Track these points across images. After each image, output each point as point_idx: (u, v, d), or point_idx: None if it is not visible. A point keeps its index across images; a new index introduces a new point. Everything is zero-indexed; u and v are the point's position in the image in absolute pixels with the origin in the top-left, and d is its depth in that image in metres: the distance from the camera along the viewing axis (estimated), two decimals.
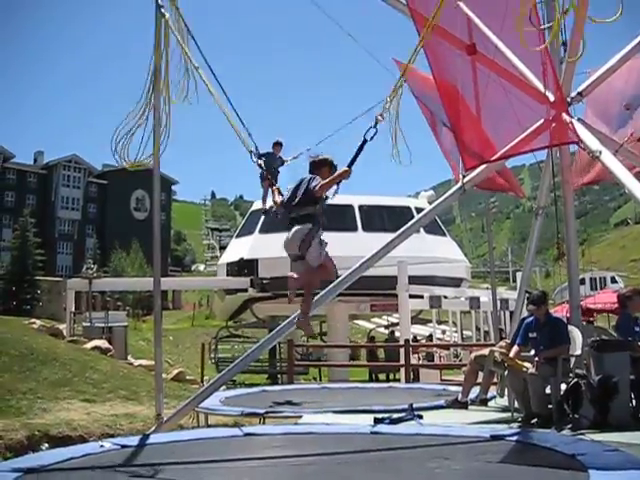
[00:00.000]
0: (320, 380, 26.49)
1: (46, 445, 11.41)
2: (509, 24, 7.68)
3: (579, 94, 8.59)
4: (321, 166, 6.12)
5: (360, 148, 6.13)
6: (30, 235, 47.35)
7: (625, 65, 8.72)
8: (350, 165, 5.96)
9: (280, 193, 6.63)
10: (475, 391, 9.73)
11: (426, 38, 6.99)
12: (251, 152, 7.63)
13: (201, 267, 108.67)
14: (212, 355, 28.02)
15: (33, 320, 25.79)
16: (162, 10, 7.88)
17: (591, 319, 19.05)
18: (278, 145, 11.59)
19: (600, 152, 6.87)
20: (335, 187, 6.08)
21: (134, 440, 7.31)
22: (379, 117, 6.25)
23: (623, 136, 9.01)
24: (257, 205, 29.14)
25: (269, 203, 10.42)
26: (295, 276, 6.19)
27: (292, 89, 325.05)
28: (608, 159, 6.84)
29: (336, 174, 5.76)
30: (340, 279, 8.44)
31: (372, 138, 6.19)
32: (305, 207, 5.92)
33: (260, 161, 7.52)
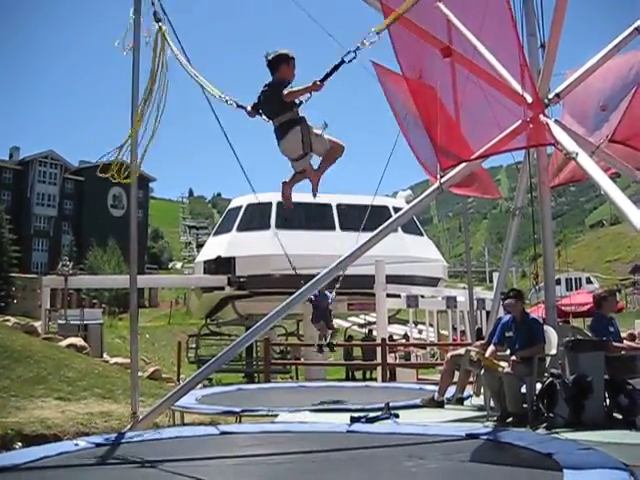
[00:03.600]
0: (297, 379, 26.49)
1: (19, 444, 11.29)
2: (488, 25, 7.73)
3: (556, 95, 8.66)
4: (278, 64, 6.06)
5: (335, 67, 6.09)
6: (5, 231, 46.96)
7: (603, 66, 8.80)
8: (322, 80, 5.90)
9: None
10: (451, 390, 9.78)
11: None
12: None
13: (178, 265, 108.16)
14: (189, 354, 27.92)
15: (7, 317, 25.52)
16: (160, 24, 7.89)
17: (567, 319, 19.20)
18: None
19: (576, 154, 6.93)
20: (308, 95, 6.05)
21: (109, 438, 7.26)
22: (365, 42, 6.22)
23: (599, 137, 9.09)
24: (235, 203, 29.12)
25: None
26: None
27: None
28: (584, 161, 6.90)
29: (306, 85, 5.72)
30: (317, 278, 8.44)
31: (350, 61, 6.16)
32: (283, 114, 5.92)
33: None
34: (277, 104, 5.96)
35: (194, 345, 29.73)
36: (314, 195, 7.01)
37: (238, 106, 6.75)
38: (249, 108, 6.49)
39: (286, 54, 6.24)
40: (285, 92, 5.81)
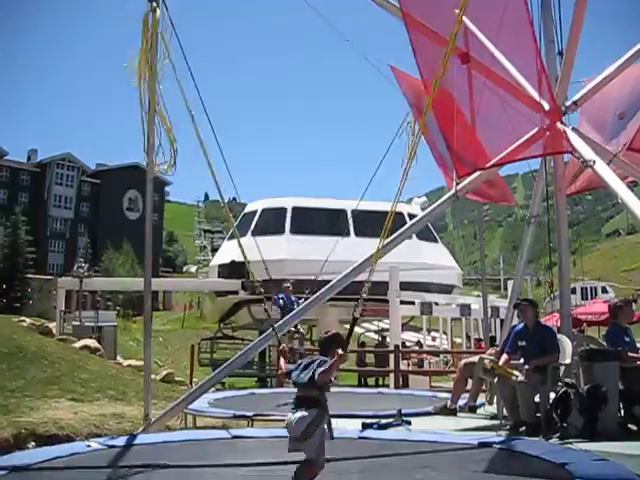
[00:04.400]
0: None
1: (33, 444, 11.35)
2: (505, 32, 7.71)
3: (574, 103, 8.62)
4: (331, 343, 5.93)
5: (352, 327, 6.47)
6: (22, 233, 47.27)
7: (620, 74, 8.74)
8: (344, 349, 5.80)
9: (286, 355, 6.50)
10: (464, 398, 9.74)
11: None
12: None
13: (192, 268, 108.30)
14: (200, 357, 27.93)
15: (23, 318, 25.63)
16: (153, 4, 7.89)
17: (581, 328, 19.11)
18: (287, 288, 12.13)
19: (594, 162, 6.89)
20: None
21: (121, 440, 7.28)
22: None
23: (617, 145, 9.03)
24: (250, 207, 29.18)
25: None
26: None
27: (285, 94, 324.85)
28: (602, 169, 6.87)
29: (334, 362, 5.58)
30: (331, 283, 8.44)
31: (359, 318, 6.62)
32: (310, 389, 5.60)
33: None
34: (309, 379, 5.71)
35: (207, 348, 29.77)
36: None
37: (282, 351, 6.58)
38: (283, 369, 6.24)
39: (337, 337, 6.06)
40: (319, 374, 5.55)
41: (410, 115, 11.41)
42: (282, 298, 11.99)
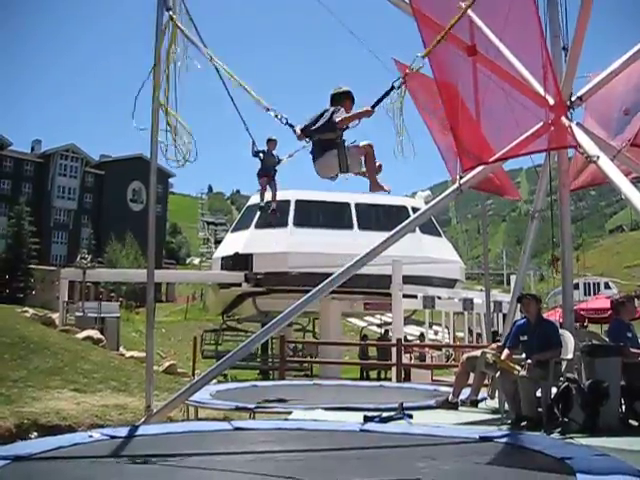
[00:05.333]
0: (311, 376, 26.53)
1: (35, 434, 11.39)
2: (510, 26, 7.69)
3: (579, 98, 8.58)
4: (343, 98, 6.20)
5: (386, 93, 6.26)
6: (25, 223, 47.27)
7: (626, 69, 8.71)
8: (373, 106, 6.08)
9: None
10: (466, 392, 9.75)
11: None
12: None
13: (196, 260, 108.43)
14: (202, 348, 28.01)
15: (26, 308, 25.73)
16: (170, 13, 7.88)
17: (583, 324, 19.11)
18: (272, 142, 11.64)
19: (598, 157, 6.88)
20: (356, 121, 6.15)
21: (123, 431, 7.30)
22: (407, 70, 6.45)
23: (621, 141, 9.00)
24: (254, 200, 29.13)
25: (265, 199, 10.48)
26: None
27: (289, 86, 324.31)
28: (605, 164, 6.85)
29: (359, 111, 5.85)
30: (334, 276, 8.44)
31: (399, 87, 6.39)
32: (325, 133, 6.02)
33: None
34: (325, 124, 6.06)
35: (210, 340, 29.85)
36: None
37: (287, 124, 6.79)
38: (298, 131, 6.53)
39: (351, 92, 6.36)
40: (338, 118, 5.85)
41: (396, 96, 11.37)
42: (262, 151, 11.62)
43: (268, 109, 7.17)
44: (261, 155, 11.45)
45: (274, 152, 11.85)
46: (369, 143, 6.69)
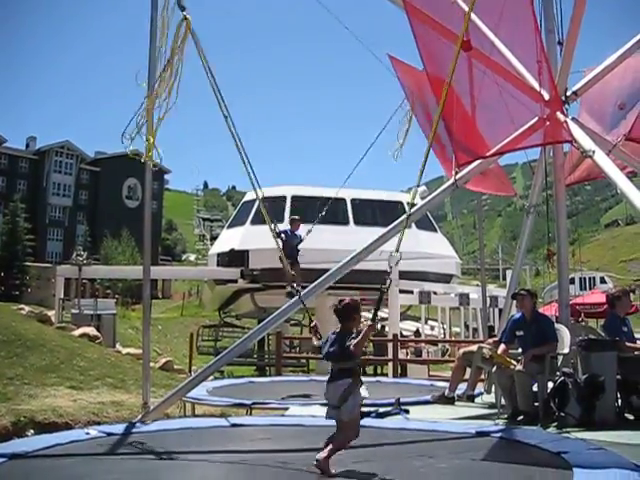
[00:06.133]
0: (308, 372, 26.53)
1: (31, 431, 11.38)
2: (505, 21, 7.70)
3: (574, 93, 8.61)
4: (353, 312, 6.07)
5: (379, 300, 6.39)
6: (20, 221, 47.20)
7: (621, 64, 8.73)
8: (373, 320, 6.11)
9: (317, 332, 6.53)
10: (462, 387, 9.76)
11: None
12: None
13: (192, 257, 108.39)
14: (198, 344, 28.03)
15: (21, 306, 25.70)
16: (184, 13, 7.84)
17: (579, 318, 19.13)
18: (296, 222, 11.74)
19: (593, 152, 6.89)
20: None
21: (120, 428, 7.30)
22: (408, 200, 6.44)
23: (616, 136, 9.02)
24: (249, 196, 29.15)
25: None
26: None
27: (285, 84, 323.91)
28: (601, 159, 6.86)
29: (365, 333, 5.77)
30: (330, 272, 8.44)
31: (387, 290, 6.55)
32: (343, 362, 5.83)
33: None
34: (341, 353, 5.85)
35: (207, 336, 29.86)
36: None
37: (314, 327, 6.67)
38: (317, 343, 6.32)
39: (357, 304, 6.20)
40: (353, 346, 5.73)
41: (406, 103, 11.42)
42: (285, 232, 11.40)
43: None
44: (283, 236, 11.21)
45: (297, 232, 11.81)
46: (357, 424, 6.04)
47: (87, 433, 6.98)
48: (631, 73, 9.67)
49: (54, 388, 14.01)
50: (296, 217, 11.29)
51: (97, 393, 14.22)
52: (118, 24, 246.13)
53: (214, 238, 68.42)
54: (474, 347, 9.69)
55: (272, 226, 9.70)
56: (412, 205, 7.94)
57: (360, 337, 5.72)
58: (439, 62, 7.99)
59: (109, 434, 6.92)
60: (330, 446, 5.49)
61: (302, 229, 12.24)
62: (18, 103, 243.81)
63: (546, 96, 7.64)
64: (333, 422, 5.59)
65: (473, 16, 7.90)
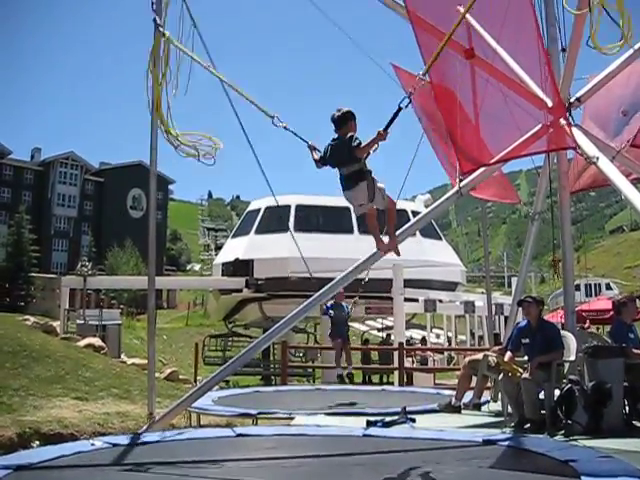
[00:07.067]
0: (313, 382, 26.49)
1: (37, 442, 11.38)
2: (507, 29, 7.70)
3: (577, 100, 8.59)
4: (348, 120, 6.31)
5: (395, 114, 6.25)
6: (25, 232, 47.18)
7: (624, 70, 8.71)
8: (385, 129, 6.08)
9: (316, 149, 6.74)
10: (468, 395, 9.73)
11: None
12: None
13: (196, 267, 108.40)
14: (205, 355, 28.01)
15: (27, 317, 25.69)
16: (161, 29, 7.85)
17: (586, 325, 19.08)
18: (340, 294, 10.94)
19: (597, 158, 6.87)
20: (375, 146, 6.19)
21: (125, 439, 7.28)
22: (411, 89, 6.43)
23: (620, 142, 9.00)
24: (254, 205, 29.16)
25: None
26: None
27: (287, 91, 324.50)
28: (605, 165, 6.85)
29: (374, 137, 5.95)
30: (335, 281, 8.43)
31: (407, 106, 6.33)
32: (351, 164, 6.18)
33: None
34: (347, 156, 6.19)
35: (215, 347, 29.82)
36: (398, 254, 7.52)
37: (310, 147, 6.85)
38: (317, 157, 6.63)
39: (353, 112, 6.43)
40: (357, 148, 6.04)
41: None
42: (332, 307, 11.03)
43: (273, 118, 7.22)
44: (331, 312, 11.00)
45: (343, 303, 11.37)
46: (393, 201, 7.07)
47: (92, 444, 6.96)
48: (634, 80, 9.66)
49: (59, 399, 14.01)
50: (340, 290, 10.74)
51: (102, 404, 14.22)
52: (122, 32, 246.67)
53: (219, 248, 68.45)
54: (480, 355, 9.65)
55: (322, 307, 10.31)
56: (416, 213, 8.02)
57: (367, 143, 5.97)
58: (443, 71, 8.00)
59: (114, 445, 6.90)
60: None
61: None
62: (23, 114, 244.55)
63: (549, 103, 7.63)
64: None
65: (475, 24, 7.92)
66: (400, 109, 6.26)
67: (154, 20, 7.88)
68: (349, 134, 6.20)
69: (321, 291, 8.41)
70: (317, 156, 6.62)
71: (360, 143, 6.04)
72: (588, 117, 9.98)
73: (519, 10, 7.63)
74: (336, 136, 6.40)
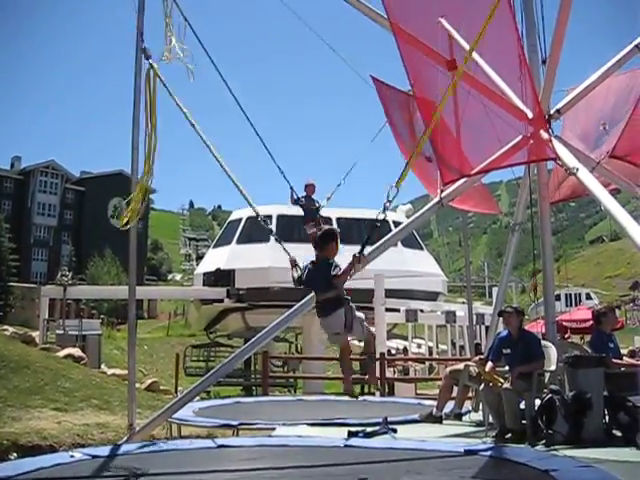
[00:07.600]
0: (295, 392, 26.42)
1: (15, 454, 11.24)
2: (489, 41, 7.75)
3: (557, 111, 8.68)
4: (329, 240, 6.18)
5: (369, 237, 6.40)
6: (5, 240, 46.95)
7: (604, 84, 8.82)
8: (361, 252, 6.10)
9: (297, 265, 6.67)
10: (450, 405, 9.74)
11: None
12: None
13: (177, 277, 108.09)
14: (186, 365, 27.86)
15: (5, 327, 25.42)
16: (150, 61, 7.81)
17: (564, 335, 19.18)
18: (310, 186, 11.85)
19: (577, 169, 6.94)
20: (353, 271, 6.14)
21: (105, 450, 7.23)
22: (386, 203, 6.44)
23: (600, 154, 9.10)
24: (235, 215, 29.12)
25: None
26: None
27: (268, 101, 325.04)
28: (585, 176, 6.91)
29: (349, 264, 5.87)
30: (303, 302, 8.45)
31: (381, 222, 6.39)
32: (327, 292, 5.99)
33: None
34: (324, 284, 6.03)
35: (196, 357, 29.67)
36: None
37: (291, 261, 6.93)
38: (295, 275, 6.59)
39: (335, 231, 6.37)
40: (335, 277, 5.92)
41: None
42: (303, 197, 11.76)
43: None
44: (302, 201, 11.67)
45: (313, 196, 12.03)
46: (373, 334, 7.05)
47: (72, 456, 6.91)
48: (613, 94, 9.78)
49: (38, 410, 13.85)
50: (311, 182, 11.51)
51: (82, 415, 14.06)
52: (104, 44, 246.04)
53: (200, 258, 68.26)
54: (461, 365, 9.68)
55: (289, 191, 10.47)
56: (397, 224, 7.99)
57: (345, 268, 5.87)
58: (426, 83, 8.04)
59: (94, 457, 6.84)
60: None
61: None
62: (2, 122, 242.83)
63: (530, 114, 7.70)
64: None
65: (457, 35, 7.98)
66: (376, 226, 6.32)
67: (143, 50, 7.84)
68: (330, 260, 6.09)
69: (303, 301, 8.41)
70: (296, 275, 6.55)
71: (338, 272, 5.93)
72: (568, 129, 10.09)
73: (500, 21, 7.69)
74: (314, 258, 6.28)
